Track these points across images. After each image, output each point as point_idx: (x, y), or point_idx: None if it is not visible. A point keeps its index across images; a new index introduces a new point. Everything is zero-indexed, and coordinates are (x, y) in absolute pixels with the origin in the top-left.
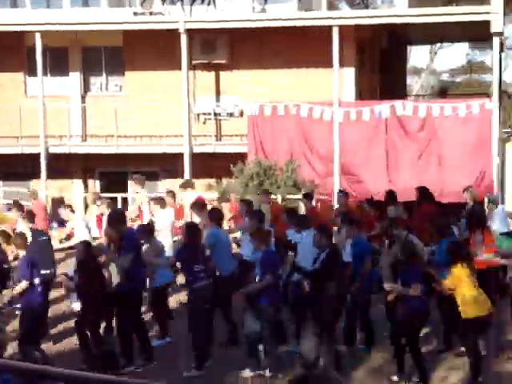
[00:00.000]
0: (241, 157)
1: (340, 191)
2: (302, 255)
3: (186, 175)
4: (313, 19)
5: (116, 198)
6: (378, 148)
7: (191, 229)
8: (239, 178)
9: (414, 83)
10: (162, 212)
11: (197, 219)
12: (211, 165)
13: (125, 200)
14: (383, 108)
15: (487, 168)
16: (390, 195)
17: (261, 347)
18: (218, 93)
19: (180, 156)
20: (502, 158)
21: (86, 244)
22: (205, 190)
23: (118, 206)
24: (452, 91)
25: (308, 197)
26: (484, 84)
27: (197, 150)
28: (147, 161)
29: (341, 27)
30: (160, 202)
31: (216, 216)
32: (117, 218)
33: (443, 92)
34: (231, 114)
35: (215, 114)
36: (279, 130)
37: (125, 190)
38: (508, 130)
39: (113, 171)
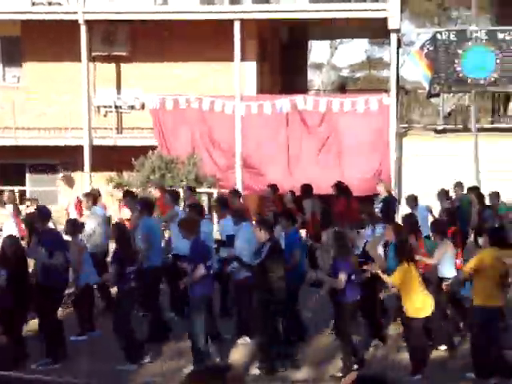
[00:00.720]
0: (142, 150)
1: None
2: (240, 248)
3: (86, 168)
4: (214, 13)
5: (13, 190)
6: (279, 142)
7: (119, 229)
8: (141, 171)
9: (315, 78)
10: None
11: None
12: (112, 158)
13: (23, 193)
14: (284, 102)
15: (385, 162)
16: (306, 189)
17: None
18: (118, 85)
19: (80, 149)
20: (399, 153)
21: (12, 239)
22: (105, 183)
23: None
24: (352, 86)
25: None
26: (382, 80)
27: (97, 142)
28: (47, 153)
29: (242, 21)
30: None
31: (148, 206)
32: (42, 214)
33: (343, 87)
34: (132, 107)
35: (116, 107)
36: (181, 123)
37: (22, 183)
38: (405, 125)
39: (11, 163)
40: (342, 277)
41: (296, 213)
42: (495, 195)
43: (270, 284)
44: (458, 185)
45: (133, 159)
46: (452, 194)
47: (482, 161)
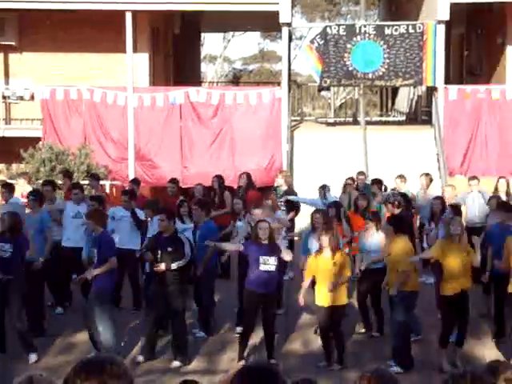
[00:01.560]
0: (32, 141)
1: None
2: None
3: None
4: (106, 3)
5: None
6: (173, 134)
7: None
8: (30, 163)
9: (208, 70)
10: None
11: None
12: (0, 149)
13: None
14: (177, 94)
15: (277, 155)
16: (220, 180)
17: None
18: (6, 75)
19: None
20: (291, 145)
21: None
22: None
23: None
24: (245, 79)
25: (135, 182)
26: (275, 73)
27: None
28: None
29: (134, 12)
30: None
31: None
32: None
33: (236, 80)
34: (21, 98)
35: (4, 97)
36: (72, 114)
37: None
38: (297, 118)
39: None
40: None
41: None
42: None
43: (165, 277)
44: (361, 173)
45: (22, 151)
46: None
47: (371, 153)
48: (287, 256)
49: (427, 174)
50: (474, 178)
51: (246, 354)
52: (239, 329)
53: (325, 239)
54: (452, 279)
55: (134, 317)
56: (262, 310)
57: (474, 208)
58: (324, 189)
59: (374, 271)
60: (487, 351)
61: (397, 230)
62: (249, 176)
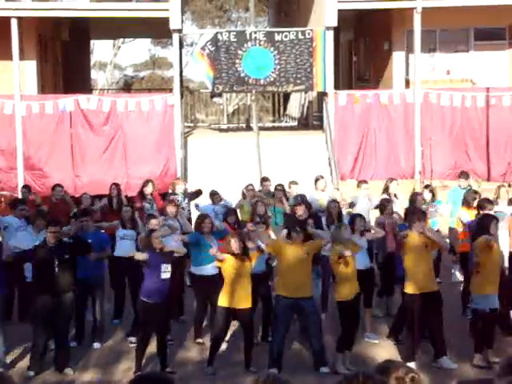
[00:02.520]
0: None
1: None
2: None
3: None
4: None
5: None
6: (63, 142)
7: None
8: None
9: (99, 77)
10: None
11: None
12: None
13: None
14: (67, 102)
15: (171, 161)
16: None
17: None
18: None
19: None
20: (184, 152)
21: None
22: None
23: None
24: (136, 86)
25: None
26: (167, 79)
27: None
28: None
29: (20, 19)
30: None
31: None
32: None
33: (128, 87)
34: None
35: None
36: None
37: None
38: (190, 125)
39: None
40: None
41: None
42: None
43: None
44: (265, 179)
45: None
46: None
47: (264, 158)
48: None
49: (322, 177)
50: (363, 181)
51: (143, 363)
52: (133, 339)
53: (234, 244)
54: (346, 283)
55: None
56: (156, 319)
57: (363, 212)
58: (213, 196)
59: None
60: (381, 352)
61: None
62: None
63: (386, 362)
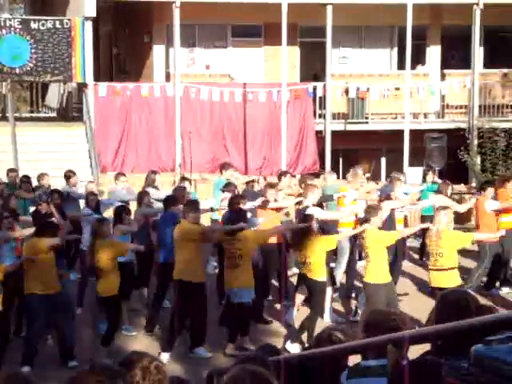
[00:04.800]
0: None
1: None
2: None
3: None
4: None
5: None
6: None
7: None
8: None
9: None
10: None
11: None
12: None
13: None
14: None
15: None
16: None
17: None
18: None
19: None
20: None
21: None
22: None
23: None
24: None
25: None
26: None
27: None
28: None
29: None
30: None
31: None
32: None
33: None
34: None
35: None
36: None
37: None
38: None
39: None
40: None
41: None
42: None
43: None
44: (12, 170)
45: None
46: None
47: (22, 150)
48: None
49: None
50: (121, 174)
51: None
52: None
53: None
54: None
55: None
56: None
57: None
58: None
59: None
60: (137, 344)
61: None
62: None
63: (130, 353)
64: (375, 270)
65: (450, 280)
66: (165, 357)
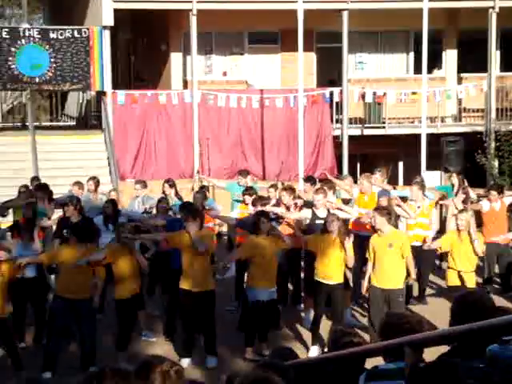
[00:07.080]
0: None
1: None
2: None
3: None
4: None
5: None
6: None
7: None
8: None
9: None
10: None
11: None
12: None
13: None
14: None
15: None
16: None
17: None
18: None
19: None
20: None
21: None
22: None
23: None
24: None
25: None
26: None
27: None
28: None
29: None
30: None
31: None
32: None
33: None
34: None
35: None
36: None
37: None
38: None
39: None
40: None
41: None
42: None
43: None
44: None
45: None
46: None
47: (42, 159)
48: None
49: (94, 178)
50: (137, 182)
51: None
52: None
53: None
54: (125, 282)
55: None
56: None
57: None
58: None
59: None
60: (157, 350)
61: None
62: None
63: (149, 357)
64: None
65: (469, 281)
66: (185, 362)
